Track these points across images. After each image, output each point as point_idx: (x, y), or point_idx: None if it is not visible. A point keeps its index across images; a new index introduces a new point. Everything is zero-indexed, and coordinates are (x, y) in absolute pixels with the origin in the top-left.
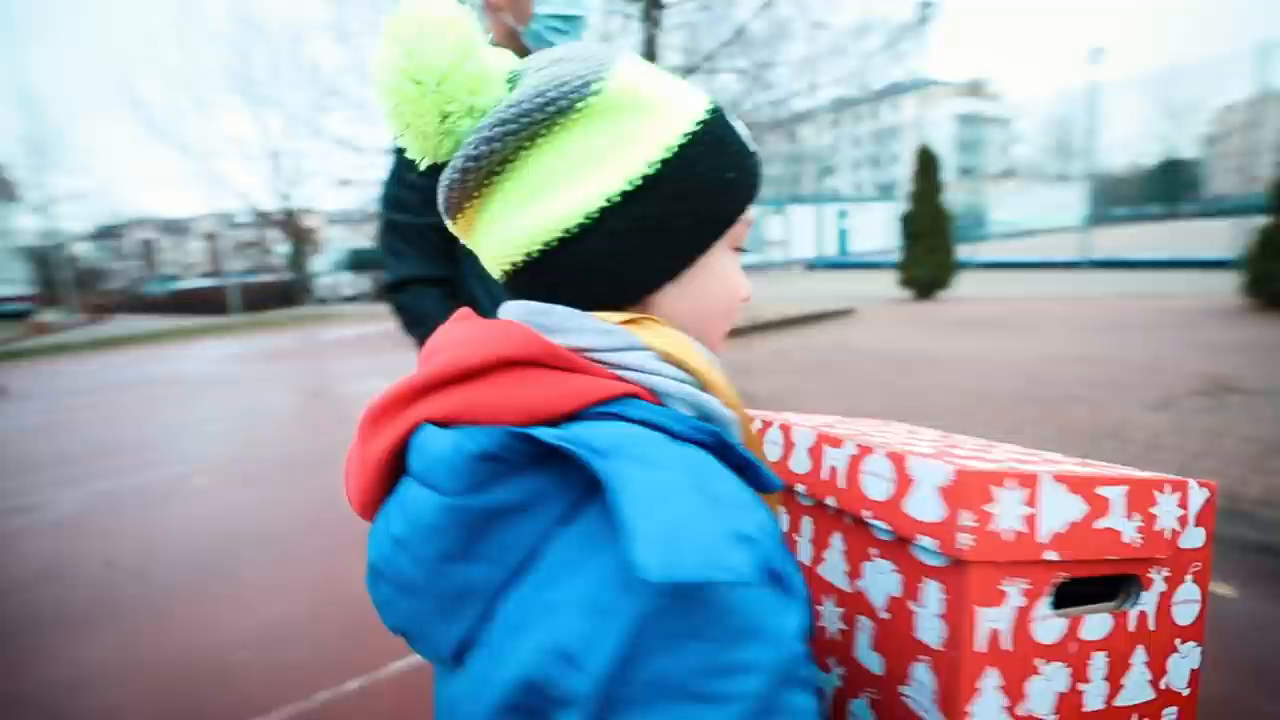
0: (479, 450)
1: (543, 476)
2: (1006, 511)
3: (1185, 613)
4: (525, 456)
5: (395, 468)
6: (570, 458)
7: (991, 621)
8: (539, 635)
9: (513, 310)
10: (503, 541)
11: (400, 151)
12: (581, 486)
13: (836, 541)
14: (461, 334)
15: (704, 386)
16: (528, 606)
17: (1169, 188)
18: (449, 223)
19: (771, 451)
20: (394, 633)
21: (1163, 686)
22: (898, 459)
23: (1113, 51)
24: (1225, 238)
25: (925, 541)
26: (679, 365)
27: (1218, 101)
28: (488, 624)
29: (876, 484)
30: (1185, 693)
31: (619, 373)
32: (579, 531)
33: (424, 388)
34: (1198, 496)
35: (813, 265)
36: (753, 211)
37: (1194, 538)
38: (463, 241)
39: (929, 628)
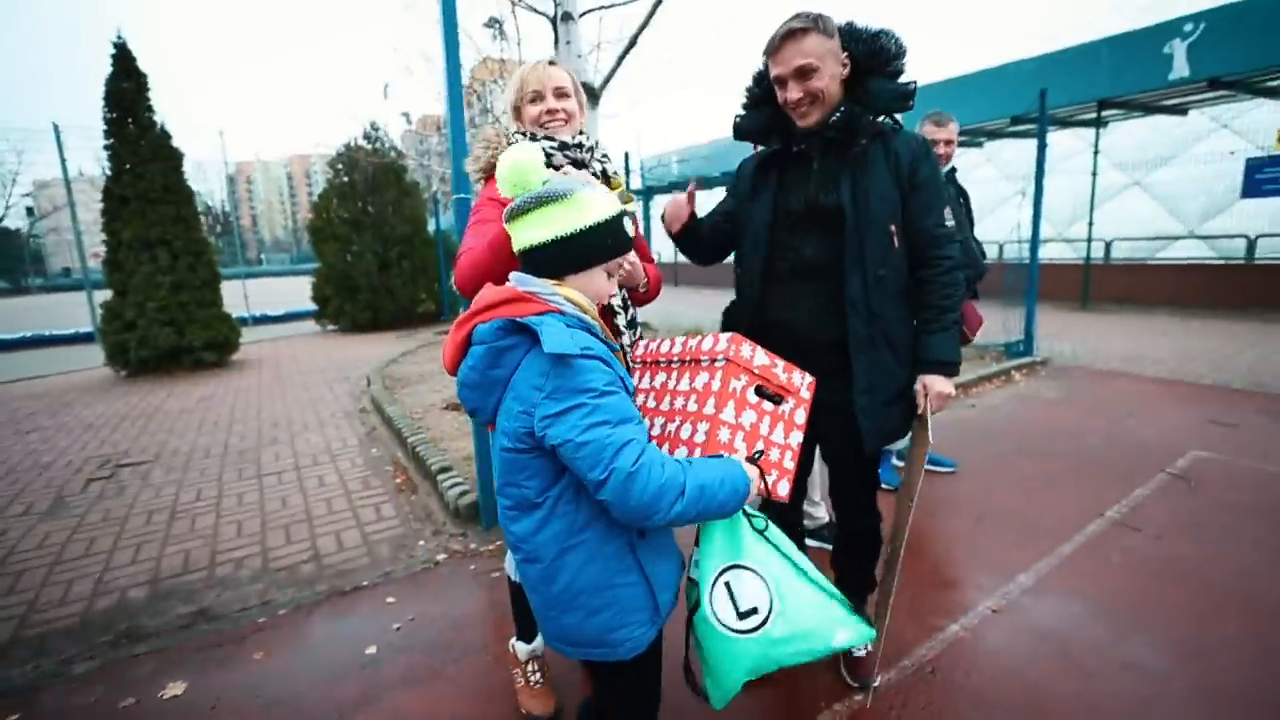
0: (497, 325)
1: (520, 335)
2: (744, 351)
3: (799, 419)
4: (514, 328)
5: (464, 346)
6: (528, 328)
7: (733, 386)
8: (523, 387)
9: (512, 278)
10: (506, 361)
11: None
12: (531, 340)
13: (687, 374)
14: (490, 291)
15: (584, 311)
16: (518, 380)
17: (4, 260)
18: (508, 224)
19: (665, 345)
20: (468, 412)
21: (787, 441)
22: (714, 334)
23: None
24: (84, 311)
25: (719, 358)
26: (574, 303)
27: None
28: (504, 394)
29: (709, 343)
30: (795, 448)
31: (549, 303)
32: (531, 354)
33: (477, 311)
34: (809, 378)
35: None
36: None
37: (806, 392)
38: (509, 231)
39: (716, 388)
